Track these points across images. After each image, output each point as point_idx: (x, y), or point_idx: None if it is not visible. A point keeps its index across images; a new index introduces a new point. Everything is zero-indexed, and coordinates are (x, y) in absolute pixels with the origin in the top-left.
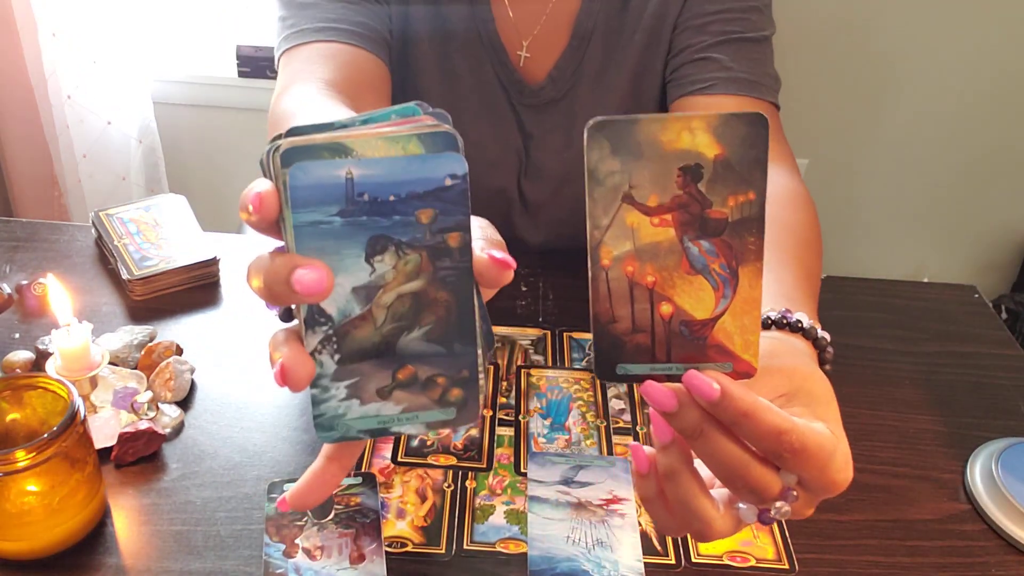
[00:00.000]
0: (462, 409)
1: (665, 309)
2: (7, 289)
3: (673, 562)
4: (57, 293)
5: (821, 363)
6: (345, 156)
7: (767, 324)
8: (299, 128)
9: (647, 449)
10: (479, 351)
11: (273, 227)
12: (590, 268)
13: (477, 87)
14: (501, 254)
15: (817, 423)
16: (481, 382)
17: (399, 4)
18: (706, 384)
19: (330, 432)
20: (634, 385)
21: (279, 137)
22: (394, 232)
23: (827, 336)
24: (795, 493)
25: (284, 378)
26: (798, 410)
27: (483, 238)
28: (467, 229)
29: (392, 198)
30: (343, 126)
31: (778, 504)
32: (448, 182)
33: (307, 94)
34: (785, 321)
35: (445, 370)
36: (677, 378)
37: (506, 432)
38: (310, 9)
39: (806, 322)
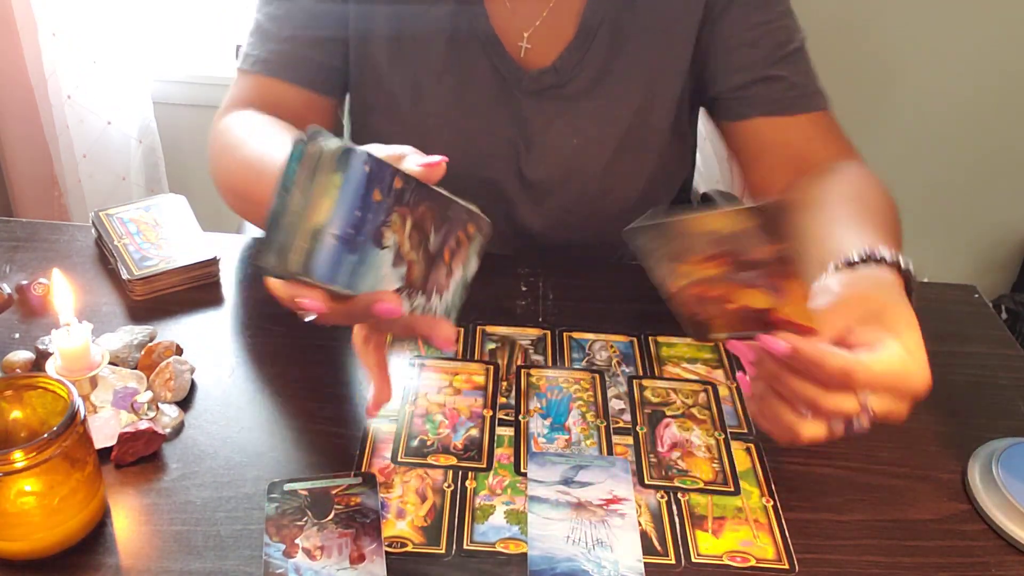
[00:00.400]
0: (481, 228)
1: (731, 305)
2: (7, 289)
3: (673, 562)
4: (61, 289)
5: (908, 291)
6: (322, 231)
7: (852, 264)
8: (272, 249)
9: (743, 381)
10: (454, 199)
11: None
12: (667, 295)
13: (468, 81)
14: (428, 160)
15: (889, 344)
16: (466, 205)
17: (369, 4)
18: (776, 343)
19: (453, 318)
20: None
21: (279, 259)
22: (377, 222)
23: (910, 263)
24: (872, 407)
25: (451, 343)
26: (872, 330)
27: (408, 158)
28: (396, 172)
29: (358, 213)
30: (293, 219)
31: (857, 419)
32: (367, 168)
33: (246, 120)
34: (869, 255)
35: (456, 228)
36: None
37: (506, 432)
38: (269, 42)
39: (889, 255)
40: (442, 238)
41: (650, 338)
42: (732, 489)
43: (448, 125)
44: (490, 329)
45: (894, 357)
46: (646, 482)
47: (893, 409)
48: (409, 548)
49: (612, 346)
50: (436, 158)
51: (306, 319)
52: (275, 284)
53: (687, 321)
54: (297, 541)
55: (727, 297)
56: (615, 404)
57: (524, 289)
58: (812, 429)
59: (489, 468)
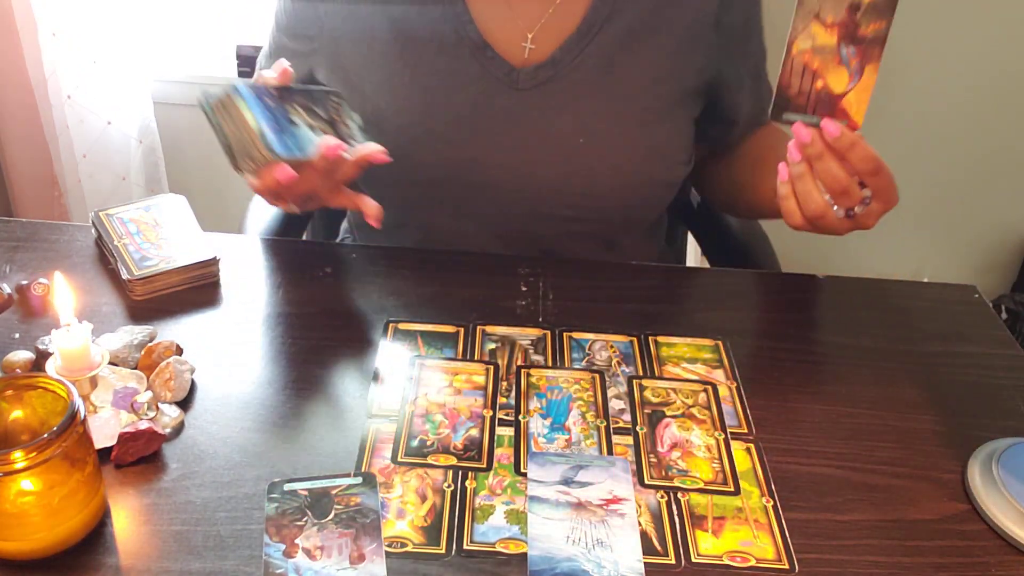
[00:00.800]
0: (340, 96)
1: (819, 84)
2: (7, 289)
3: (673, 562)
4: (62, 290)
5: None
6: (260, 131)
7: None
8: (243, 158)
9: (782, 168)
10: (310, 88)
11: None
12: (785, 55)
13: (456, 87)
14: (278, 73)
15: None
16: (320, 88)
17: (352, 4)
18: (832, 125)
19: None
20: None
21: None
22: (282, 114)
23: None
24: (869, 199)
25: (382, 151)
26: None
27: (267, 76)
28: (269, 87)
29: (268, 113)
30: (239, 139)
31: (857, 208)
32: (250, 89)
33: None
34: None
35: (326, 102)
36: (814, 125)
37: (506, 432)
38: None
39: None
40: (324, 109)
41: (650, 338)
42: (732, 489)
43: (433, 133)
44: (490, 329)
45: (890, 169)
46: (646, 482)
47: (874, 209)
48: (409, 548)
49: (612, 346)
50: (284, 67)
51: (295, 211)
52: (258, 183)
53: (780, 93)
54: (297, 541)
55: (821, 72)
56: (615, 404)
57: (524, 289)
58: (819, 201)
59: (489, 468)
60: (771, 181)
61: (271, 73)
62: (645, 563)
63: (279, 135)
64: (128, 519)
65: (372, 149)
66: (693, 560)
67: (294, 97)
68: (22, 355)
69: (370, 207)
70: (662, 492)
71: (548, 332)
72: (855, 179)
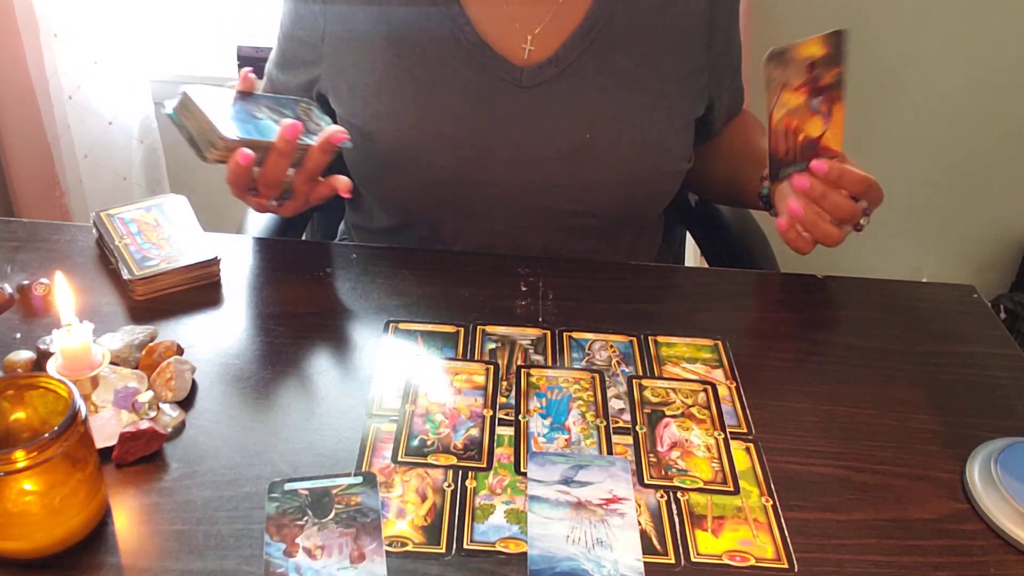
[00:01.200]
0: (307, 102)
1: (800, 136)
2: (8, 289)
3: (673, 561)
4: (63, 290)
5: None
6: (221, 122)
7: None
8: (207, 147)
9: (792, 207)
10: (278, 96)
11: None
12: (768, 127)
13: (458, 86)
14: (241, 81)
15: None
16: (288, 97)
17: (348, 6)
18: (820, 165)
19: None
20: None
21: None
22: (246, 110)
23: None
24: (866, 210)
25: (344, 132)
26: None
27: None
28: (232, 92)
29: (227, 111)
30: (202, 130)
31: (861, 221)
32: (203, 91)
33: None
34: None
35: (294, 105)
36: (806, 170)
37: (506, 432)
38: (270, 62)
39: None
40: (291, 111)
41: (650, 338)
42: (731, 488)
43: (434, 133)
44: (490, 329)
45: (873, 178)
46: (646, 482)
47: (869, 218)
48: (409, 547)
49: (612, 346)
50: (245, 74)
51: (274, 209)
52: (230, 172)
53: (772, 157)
54: (298, 540)
55: (800, 128)
56: (615, 404)
57: (524, 289)
58: (836, 233)
59: (489, 468)
60: (749, 173)
61: (237, 84)
62: (645, 562)
63: (239, 124)
64: (129, 518)
65: (333, 130)
66: (693, 559)
67: (260, 100)
68: (23, 355)
69: (340, 182)
70: (662, 492)
71: (548, 332)
72: (853, 204)
